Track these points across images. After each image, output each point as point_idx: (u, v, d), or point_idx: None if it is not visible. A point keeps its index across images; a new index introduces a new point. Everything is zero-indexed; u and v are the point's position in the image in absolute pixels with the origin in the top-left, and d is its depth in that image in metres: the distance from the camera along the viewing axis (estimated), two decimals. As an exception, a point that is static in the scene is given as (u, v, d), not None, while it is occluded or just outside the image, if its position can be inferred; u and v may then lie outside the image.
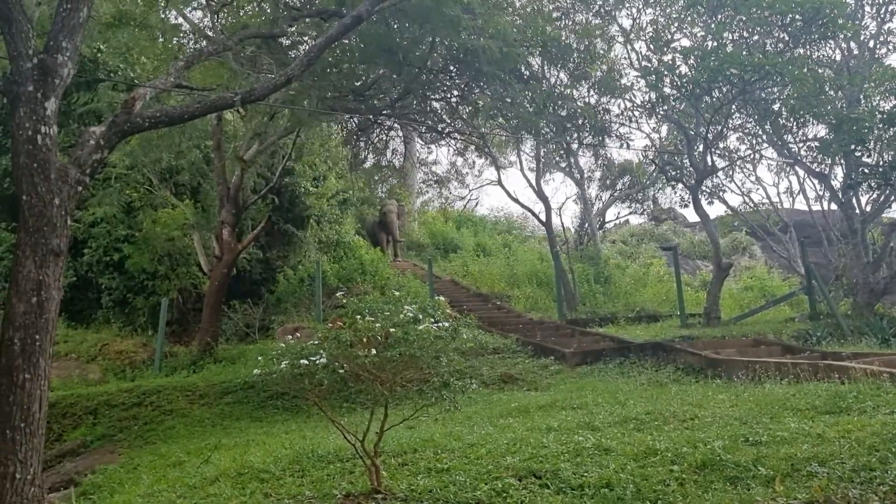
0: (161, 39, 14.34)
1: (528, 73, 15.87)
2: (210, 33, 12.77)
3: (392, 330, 4.72)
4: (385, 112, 15.71)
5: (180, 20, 14.94)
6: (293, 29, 12.14)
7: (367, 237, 28.47)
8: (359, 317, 4.96)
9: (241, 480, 5.77)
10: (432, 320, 4.84)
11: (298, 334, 17.00)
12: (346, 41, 14.02)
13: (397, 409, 7.18)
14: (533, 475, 5.22)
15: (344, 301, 5.39)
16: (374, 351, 4.67)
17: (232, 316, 19.64)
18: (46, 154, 5.65)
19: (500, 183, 23.73)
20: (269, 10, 13.27)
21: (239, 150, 16.87)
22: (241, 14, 13.77)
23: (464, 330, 5.09)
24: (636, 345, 12.29)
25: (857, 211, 18.70)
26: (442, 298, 5.58)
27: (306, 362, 4.68)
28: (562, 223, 28.70)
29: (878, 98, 17.74)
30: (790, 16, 14.64)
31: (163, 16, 14.04)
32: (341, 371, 4.74)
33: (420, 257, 30.89)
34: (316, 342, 5.04)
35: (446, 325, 4.83)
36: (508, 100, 15.06)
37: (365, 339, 4.73)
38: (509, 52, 13.07)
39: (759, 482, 5.05)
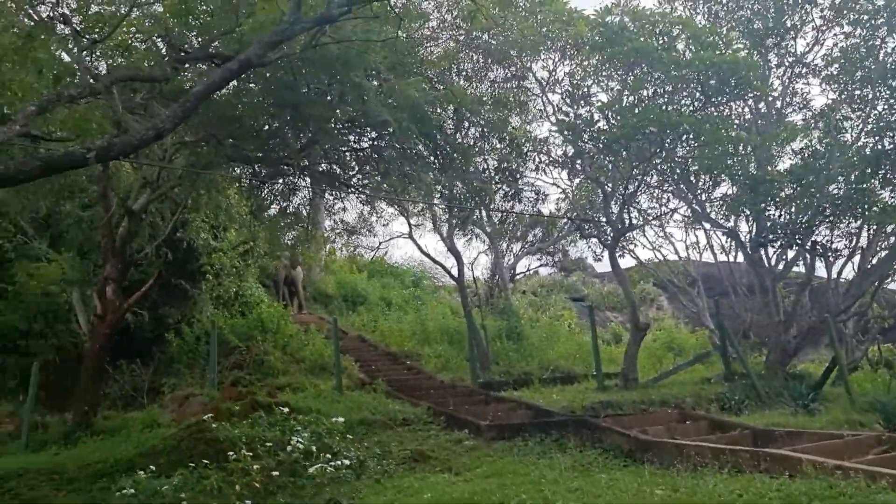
0: (51, 76, 12.88)
1: (438, 135, 15.09)
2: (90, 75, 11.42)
3: (275, 474, 3.67)
4: (288, 163, 14.62)
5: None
6: (180, 74, 10.94)
7: (273, 288, 27.07)
8: (231, 454, 3.87)
9: None
10: (328, 455, 3.80)
11: (189, 402, 15.70)
12: (251, 88, 13.03)
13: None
14: None
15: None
16: (248, 504, 3.61)
17: (118, 378, 17.90)
18: None
19: (411, 236, 22.92)
20: (162, 52, 12.10)
21: (127, 201, 15.41)
22: (130, 55, 12.41)
23: (371, 463, 4.04)
24: (558, 421, 11.44)
25: (767, 267, 18.68)
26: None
27: (155, 523, 3.57)
28: (474, 277, 27.93)
29: (786, 157, 17.94)
30: (707, 73, 14.45)
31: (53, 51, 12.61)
32: (204, 529, 3.66)
33: (326, 310, 29.54)
34: (176, 482, 3.91)
35: (347, 462, 3.80)
36: (414, 166, 14.29)
37: (238, 487, 3.66)
38: (414, 124, 12.44)
39: None
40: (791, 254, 18.56)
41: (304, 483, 3.66)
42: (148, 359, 18.80)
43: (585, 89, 17.03)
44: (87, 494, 11.38)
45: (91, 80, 8.32)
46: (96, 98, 9.33)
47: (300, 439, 3.88)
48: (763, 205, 16.56)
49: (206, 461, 3.91)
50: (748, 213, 17.19)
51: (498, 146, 17.03)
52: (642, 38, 15.14)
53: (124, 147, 6.38)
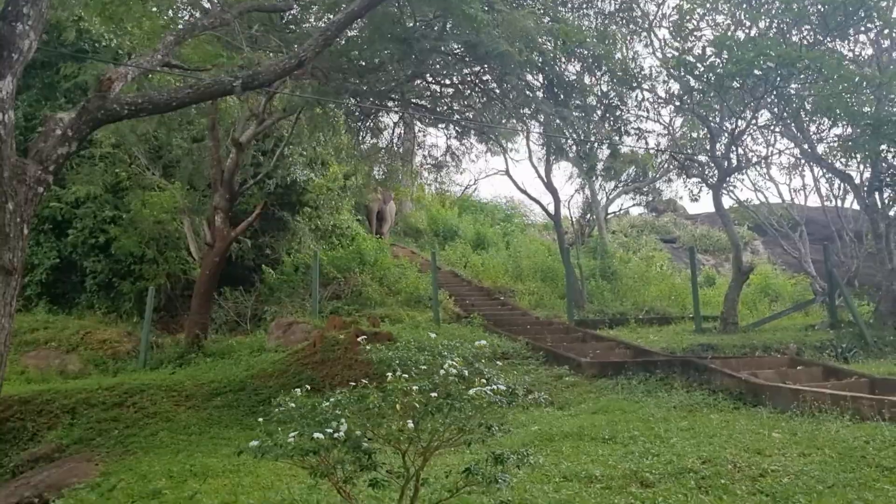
0: (155, 10, 13.19)
1: (543, 63, 14.73)
2: (206, 5, 11.60)
3: (433, 395, 3.75)
4: (393, 97, 14.64)
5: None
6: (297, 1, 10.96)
7: (365, 220, 27.57)
8: (389, 374, 3.98)
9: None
10: (482, 379, 3.87)
11: (293, 329, 16.24)
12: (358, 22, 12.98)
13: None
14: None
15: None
16: (410, 424, 3.71)
17: (223, 304, 18.66)
18: (-1, 147, 4.58)
19: (508, 173, 22.80)
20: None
21: (234, 132, 15.80)
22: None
23: (520, 390, 4.10)
24: (662, 360, 11.33)
25: (882, 212, 17.81)
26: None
27: (321, 436, 3.69)
28: (570, 216, 27.65)
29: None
30: (832, 5, 13.60)
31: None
32: (365, 444, 3.79)
33: (417, 244, 29.89)
34: (332, 401, 4.04)
35: (502, 387, 3.86)
36: (526, 94, 14.01)
37: (398, 407, 3.77)
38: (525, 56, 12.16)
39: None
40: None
41: (460, 406, 3.74)
42: (249, 287, 19.49)
43: (695, 22, 16.31)
44: (204, 411, 12.10)
45: (222, 12, 8.43)
46: (215, 31, 9.47)
47: (453, 363, 3.95)
48: (883, 146, 15.68)
49: (365, 381, 4.03)
50: (865, 154, 16.31)
51: (602, 80, 16.54)
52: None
53: (269, 75, 6.48)
